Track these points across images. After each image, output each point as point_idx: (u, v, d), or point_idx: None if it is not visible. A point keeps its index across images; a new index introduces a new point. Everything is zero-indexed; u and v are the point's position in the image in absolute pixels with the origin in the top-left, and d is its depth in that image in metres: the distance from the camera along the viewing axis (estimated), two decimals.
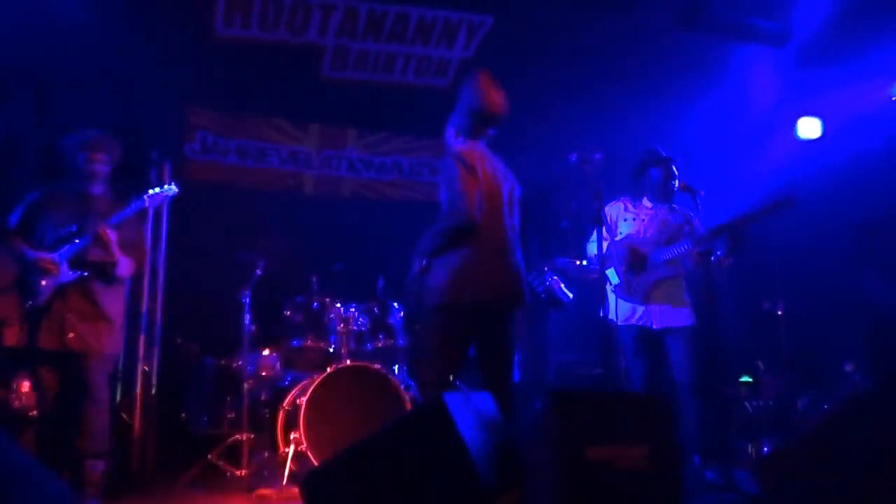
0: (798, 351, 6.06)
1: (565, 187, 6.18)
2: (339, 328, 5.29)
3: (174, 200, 4.38)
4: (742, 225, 4.35)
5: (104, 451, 3.99)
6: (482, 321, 3.56)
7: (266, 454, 5.14)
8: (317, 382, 4.75)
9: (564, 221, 6.93)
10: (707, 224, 4.52)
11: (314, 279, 5.58)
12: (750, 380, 6.20)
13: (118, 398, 5.17)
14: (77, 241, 3.98)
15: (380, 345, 5.39)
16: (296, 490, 4.27)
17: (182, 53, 6.05)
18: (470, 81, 3.84)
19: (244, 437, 4.99)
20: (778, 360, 6.10)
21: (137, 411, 4.96)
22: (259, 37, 6.07)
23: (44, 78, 5.98)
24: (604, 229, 4.63)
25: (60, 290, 3.97)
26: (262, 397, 5.37)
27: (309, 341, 5.40)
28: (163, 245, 5.34)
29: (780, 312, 6.05)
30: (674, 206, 4.71)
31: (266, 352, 5.59)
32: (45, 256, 3.94)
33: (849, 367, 6.08)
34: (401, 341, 5.47)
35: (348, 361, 5.04)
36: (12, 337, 3.95)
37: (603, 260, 4.48)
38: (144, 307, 5.22)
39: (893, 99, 6.22)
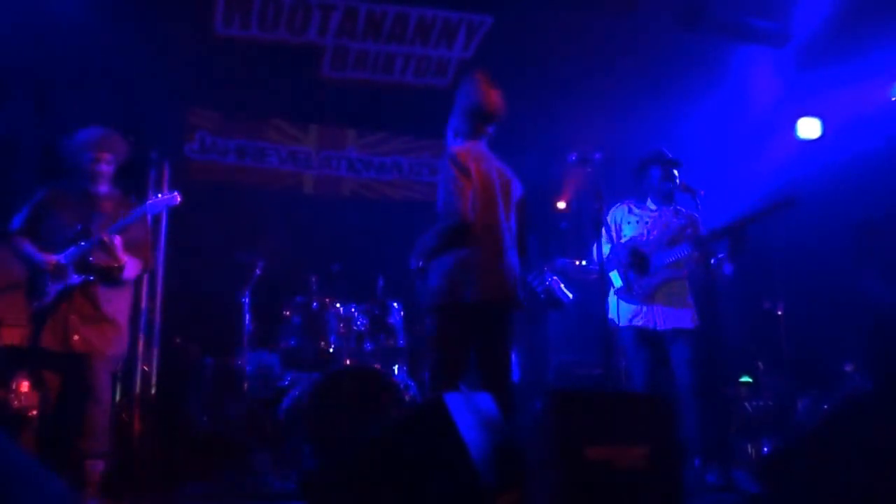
0: (798, 351, 6.06)
1: (564, 187, 6.18)
2: (338, 328, 5.29)
3: (165, 207, 4.36)
4: (742, 226, 4.35)
5: (104, 452, 3.98)
6: (480, 322, 3.56)
7: (265, 454, 5.13)
8: (316, 382, 4.74)
9: (564, 222, 6.94)
10: (707, 225, 4.52)
11: (314, 279, 5.58)
12: (750, 380, 6.20)
13: (118, 398, 5.16)
14: (82, 243, 3.97)
15: (380, 345, 5.38)
16: (296, 490, 4.27)
17: (182, 53, 6.05)
18: (467, 82, 3.84)
19: (243, 437, 4.99)
20: (778, 360, 6.10)
21: (137, 411, 4.96)
22: (259, 37, 6.08)
23: (44, 78, 5.98)
24: (606, 231, 4.67)
25: (66, 292, 3.95)
26: (262, 397, 5.37)
27: (308, 341, 5.39)
28: (162, 245, 5.34)
29: (780, 312, 6.05)
30: (679, 207, 4.71)
31: (266, 352, 5.59)
32: (51, 259, 3.92)
33: (849, 367, 6.07)
34: (401, 341, 5.47)
35: (348, 361, 5.04)
36: (14, 337, 3.94)
37: (606, 262, 4.51)
38: (144, 307, 5.21)
39: (893, 99, 6.23)
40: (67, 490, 2.97)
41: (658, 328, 4.50)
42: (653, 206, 4.74)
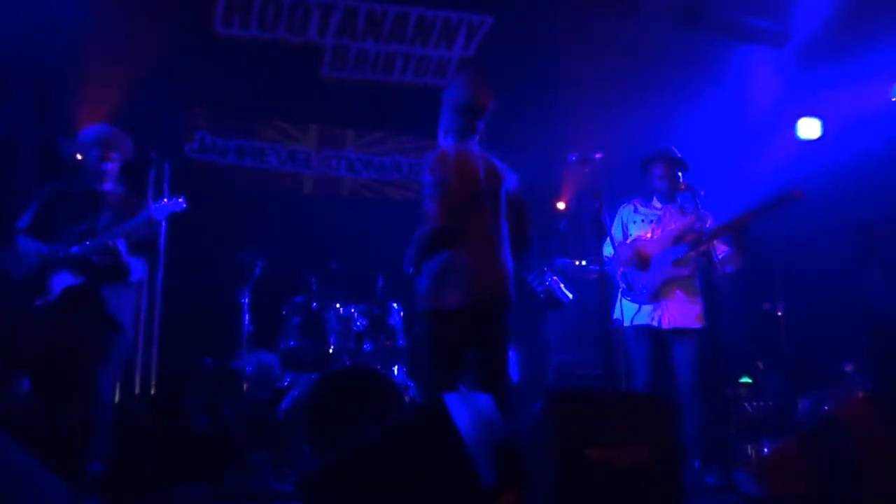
0: (798, 351, 6.06)
1: (564, 187, 6.18)
2: (338, 329, 5.28)
3: (170, 213, 4.33)
4: (744, 222, 4.35)
5: (104, 452, 3.98)
6: (470, 325, 3.55)
7: (265, 455, 5.12)
8: (316, 383, 4.74)
9: (564, 222, 6.94)
10: (709, 224, 4.52)
11: (313, 279, 5.57)
12: (750, 380, 6.19)
13: (117, 398, 5.16)
14: (86, 242, 3.95)
15: (379, 345, 5.38)
16: (295, 491, 4.27)
17: (182, 53, 6.04)
18: (453, 80, 3.83)
19: (243, 438, 4.98)
20: (778, 360, 6.09)
21: (136, 411, 4.95)
22: (258, 36, 6.07)
23: (44, 78, 5.97)
24: (615, 230, 4.68)
25: (70, 291, 3.94)
26: (262, 398, 5.36)
27: (308, 342, 5.38)
28: (162, 245, 5.32)
29: (780, 313, 6.05)
30: (685, 205, 4.69)
31: (265, 352, 5.58)
32: (57, 253, 3.91)
33: (849, 368, 6.07)
34: (400, 342, 5.46)
35: (348, 362, 5.03)
36: (15, 336, 3.93)
37: (610, 261, 4.52)
38: (143, 307, 5.20)
39: (893, 99, 6.22)
40: (67, 490, 2.97)
41: (662, 327, 4.50)
42: (658, 205, 4.74)
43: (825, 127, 6.74)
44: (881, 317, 5.91)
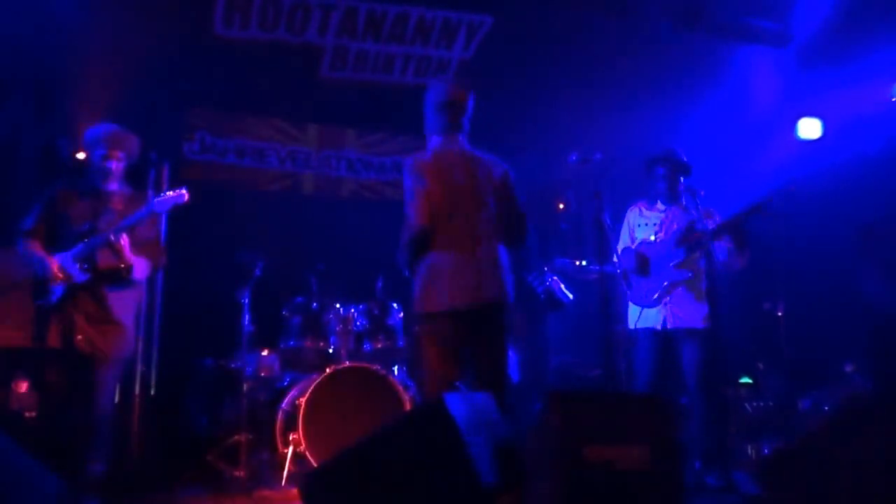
0: (798, 352, 6.05)
1: (565, 187, 6.17)
2: (338, 329, 5.28)
3: (173, 205, 4.33)
4: (740, 219, 4.36)
5: (105, 453, 3.97)
6: (465, 324, 3.55)
7: (265, 455, 5.13)
8: (316, 383, 4.74)
9: (564, 222, 6.94)
10: (708, 223, 4.52)
11: (313, 280, 5.57)
12: (750, 381, 6.19)
13: (117, 398, 5.16)
14: (87, 240, 3.93)
15: (379, 345, 5.37)
16: (295, 491, 4.26)
17: (181, 53, 6.04)
18: (431, 85, 3.91)
19: (243, 438, 4.98)
20: (778, 361, 6.09)
21: (136, 412, 4.95)
22: (258, 37, 6.07)
23: (44, 78, 5.97)
24: (623, 235, 4.69)
25: (72, 292, 3.92)
26: (261, 398, 5.36)
27: (308, 342, 5.38)
28: (163, 246, 5.33)
29: (780, 313, 6.04)
30: (688, 206, 4.69)
31: (265, 352, 5.58)
32: (53, 267, 3.88)
33: (849, 368, 6.07)
34: (400, 342, 5.46)
35: (347, 362, 5.03)
36: (14, 338, 3.92)
37: (618, 265, 4.53)
38: (143, 307, 5.21)
39: (894, 100, 6.22)
40: (64, 488, 2.97)
41: (667, 329, 4.50)
42: (661, 207, 4.75)
43: (826, 127, 6.74)
44: (881, 317, 5.91)
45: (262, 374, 5.50)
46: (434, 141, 3.78)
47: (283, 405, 5.02)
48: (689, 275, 4.54)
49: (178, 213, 4.78)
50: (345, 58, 6.42)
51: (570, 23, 5.99)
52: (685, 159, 4.72)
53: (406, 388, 4.95)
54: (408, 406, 4.80)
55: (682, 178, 4.69)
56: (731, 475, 4.33)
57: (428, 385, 3.61)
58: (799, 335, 6.05)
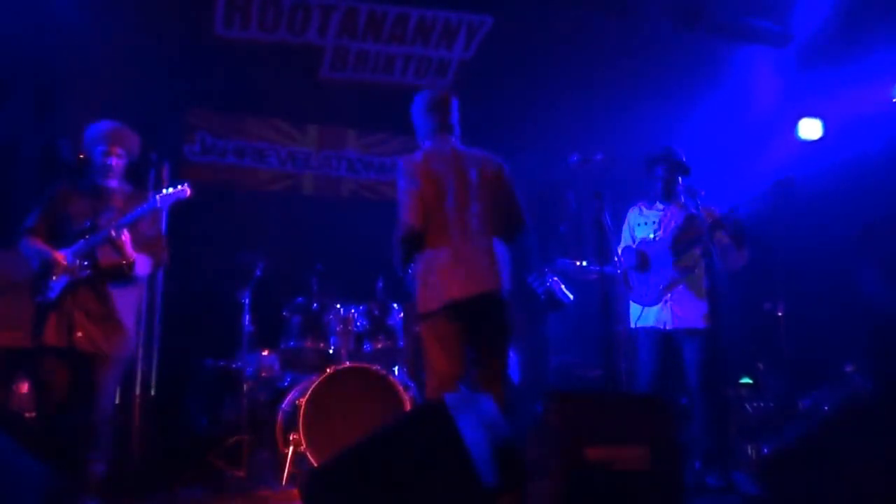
0: (798, 352, 6.05)
1: (565, 188, 6.17)
2: (338, 329, 5.28)
3: (175, 201, 4.32)
4: (737, 214, 4.36)
5: (105, 453, 3.97)
6: (463, 319, 3.57)
7: (265, 455, 5.13)
8: (316, 383, 4.74)
9: (564, 223, 6.93)
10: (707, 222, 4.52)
11: (313, 280, 5.57)
12: (750, 381, 6.19)
13: (118, 399, 5.16)
14: (88, 237, 3.92)
15: (379, 346, 5.37)
16: (295, 491, 4.27)
17: (182, 54, 6.04)
18: (415, 96, 3.98)
19: (243, 439, 4.98)
20: (778, 361, 6.09)
21: (137, 412, 4.95)
22: (259, 38, 6.07)
23: (44, 78, 5.97)
24: (624, 235, 4.70)
25: (72, 288, 3.91)
26: (262, 398, 5.36)
27: (308, 342, 5.38)
28: (164, 244, 5.32)
29: (780, 313, 6.04)
30: (687, 205, 4.70)
31: (265, 353, 5.58)
32: (59, 255, 3.88)
33: (849, 368, 6.07)
34: (400, 342, 5.46)
35: (348, 362, 5.03)
36: (14, 338, 3.91)
37: (618, 265, 4.53)
38: (143, 308, 5.21)
39: (894, 100, 6.22)
40: (53, 480, 2.96)
41: (668, 328, 4.50)
42: (660, 206, 4.75)
43: (826, 127, 6.73)
44: (881, 317, 5.91)
45: (263, 375, 5.50)
46: (426, 144, 3.85)
47: (284, 405, 5.02)
48: (690, 272, 4.54)
49: (178, 214, 4.79)
50: (345, 58, 6.42)
51: (570, 23, 5.99)
52: (683, 159, 4.73)
53: (406, 388, 4.95)
54: (408, 406, 4.80)
55: (680, 178, 4.71)
56: (732, 475, 4.33)
57: (431, 386, 3.62)
58: (799, 335, 6.06)
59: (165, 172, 4.77)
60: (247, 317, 5.16)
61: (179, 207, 4.14)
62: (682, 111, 6.43)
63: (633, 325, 4.62)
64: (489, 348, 3.66)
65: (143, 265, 4.01)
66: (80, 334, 3.84)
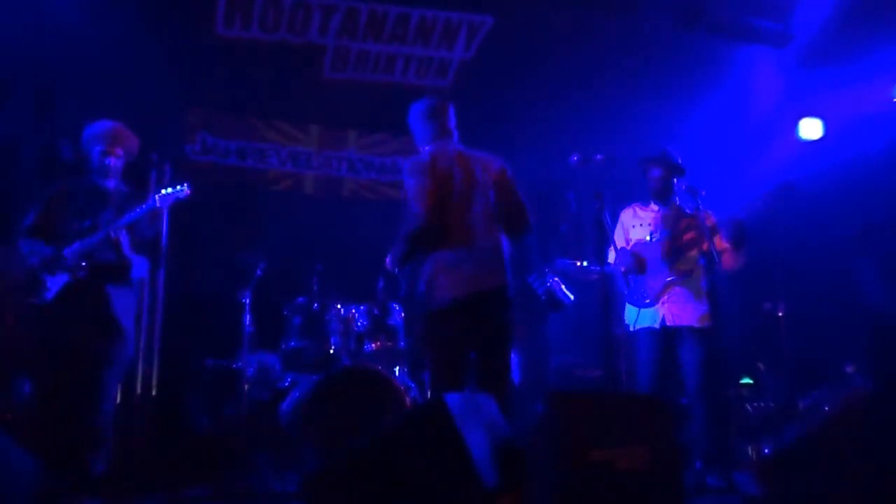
0: (799, 352, 6.05)
1: (565, 188, 6.17)
2: (339, 329, 5.28)
3: (174, 201, 4.32)
4: (739, 219, 4.36)
5: (106, 453, 3.97)
6: (467, 318, 3.58)
7: (266, 455, 5.12)
8: (317, 384, 4.74)
9: (564, 223, 6.94)
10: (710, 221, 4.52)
11: (314, 280, 5.57)
12: (751, 381, 6.19)
13: (119, 399, 5.16)
14: (87, 238, 3.92)
15: (380, 346, 5.37)
16: (296, 492, 4.27)
17: (182, 54, 6.04)
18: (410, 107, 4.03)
19: (244, 439, 4.98)
20: (779, 361, 6.09)
21: (137, 412, 4.95)
22: (260, 37, 6.07)
23: (44, 78, 5.97)
24: (617, 236, 4.69)
25: (68, 289, 3.90)
26: (263, 398, 5.36)
27: (309, 342, 5.38)
28: (163, 245, 5.32)
29: (780, 313, 6.04)
30: (682, 206, 4.71)
31: (266, 353, 5.58)
32: (54, 253, 3.88)
33: (850, 369, 6.06)
34: (401, 343, 5.46)
35: (348, 363, 5.03)
36: (14, 338, 3.91)
37: (614, 266, 4.53)
38: (144, 307, 5.20)
39: (895, 100, 6.21)
40: (36, 466, 2.95)
41: (667, 327, 4.50)
42: (655, 207, 4.76)
43: (827, 127, 6.73)
44: (882, 317, 5.91)
45: (263, 375, 5.49)
46: (429, 148, 3.87)
47: (284, 406, 5.02)
48: (687, 275, 4.55)
49: (179, 214, 4.80)
50: (346, 58, 6.42)
51: (571, 23, 5.99)
52: (679, 160, 4.73)
53: (407, 388, 4.95)
54: (408, 407, 4.80)
55: (675, 179, 4.72)
56: (732, 475, 4.33)
57: (432, 387, 3.64)
58: (799, 335, 6.06)
59: (167, 172, 4.78)
60: (247, 317, 5.16)
61: (181, 207, 4.15)
62: (682, 111, 6.44)
63: (632, 328, 4.62)
64: (492, 348, 3.67)
65: (139, 267, 4.02)
66: (79, 336, 3.84)
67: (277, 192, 7.12)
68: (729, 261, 4.48)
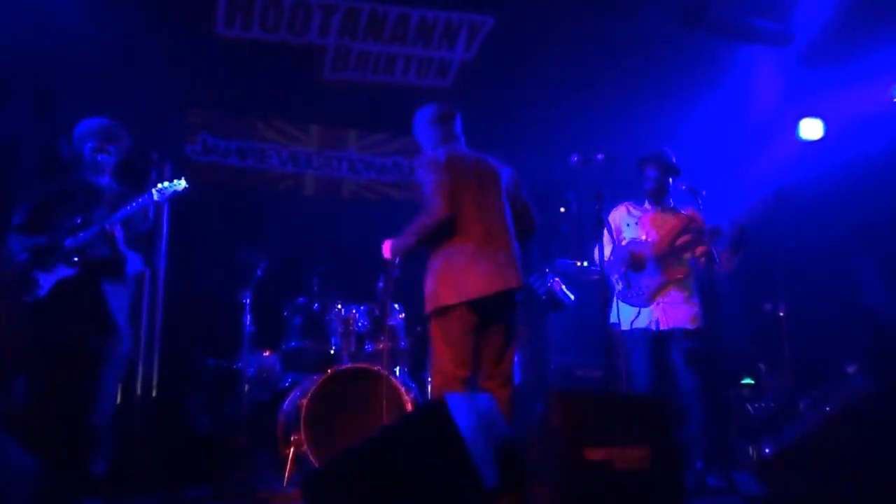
0: (800, 352, 6.05)
1: (565, 188, 6.17)
2: (339, 329, 5.28)
3: (175, 201, 4.32)
4: (738, 223, 4.37)
5: (106, 453, 3.97)
6: (480, 316, 3.58)
7: (266, 456, 5.13)
8: (317, 384, 4.74)
9: (564, 223, 6.94)
10: (707, 224, 4.52)
11: (315, 280, 5.57)
12: (751, 381, 6.19)
13: (119, 399, 5.15)
14: (80, 234, 3.90)
15: (380, 346, 5.37)
16: (297, 492, 4.26)
17: (183, 54, 6.04)
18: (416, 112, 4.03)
19: (244, 439, 4.98)
20: (779, 361, 6.09)
21: (137, 412, 4.95)
22: (260, 38, 6.07)
23: (44, 78, 5.97)
24: (607, 234, 4.68)
25: (62, 286, 3.88)
26: (263, 399, 5.36)
27: (309, 343, 5.38)
28: (163, 245, 5.32)
29: (781, 314, 6.05)
30: (678, 207, 4.71)
31: (266, 353, 5.58)
32: (51, 243, 3.86)
33: (850, 369, 6.06)
34: (402, 343, 5.46)
35: (349, 363, 5.03)
36: (13, 337, 3.90)
37: (607, 265, 4.52)
38: (144, 307, 5.20)
39: (895, 100, 6.21)
40: (39, 470, 2.95)
41: (661, 329, 4.50)
42: (650, 207, 4.75)
43: (827, 127, 6.73)
44: (882, 317, 5.91)
45: (264, 375, 5.49)
46: (441, 149, 3.84)
47: (285, 406, 5.02)
48: (681, 274, 4.55)
49: (180, 214, 4.81)
50: (346, 58, 6.42)
51: (571, 23, 5.99)
52: (674, 161, 4.73)
53: (408, 388, 4.95)
54: (409, 407, 4.80)
55: (671, 180, 4.72)
56: (733, 476, 4.33)
57: (435, 385, 3.63)
58: (800, 335, 6.06)
59: (167, 172, 4.78)
60: (248, 317, 5.16)
61: (181, 207, 4.15)
62: (682, 111, 6.43)
63: (626, 328, 4.62)
64: (500, 348, 3.68)
65: (133, 262, 4.01)
66: (75, 334, 3.83)
67: (278, 192, 7.12)
68: (724, 264, 4.48)
